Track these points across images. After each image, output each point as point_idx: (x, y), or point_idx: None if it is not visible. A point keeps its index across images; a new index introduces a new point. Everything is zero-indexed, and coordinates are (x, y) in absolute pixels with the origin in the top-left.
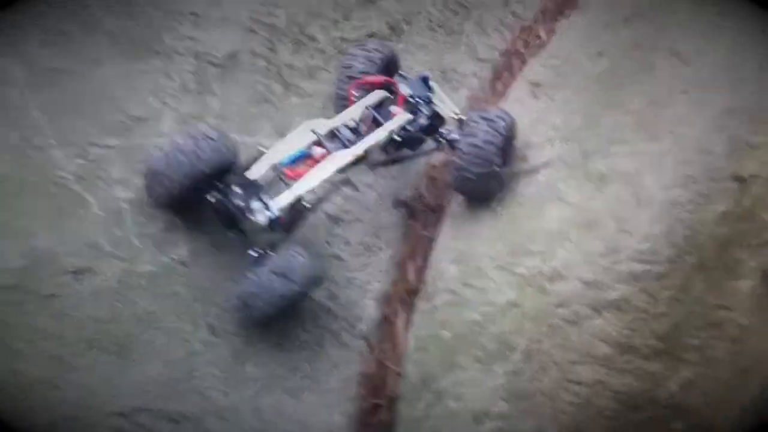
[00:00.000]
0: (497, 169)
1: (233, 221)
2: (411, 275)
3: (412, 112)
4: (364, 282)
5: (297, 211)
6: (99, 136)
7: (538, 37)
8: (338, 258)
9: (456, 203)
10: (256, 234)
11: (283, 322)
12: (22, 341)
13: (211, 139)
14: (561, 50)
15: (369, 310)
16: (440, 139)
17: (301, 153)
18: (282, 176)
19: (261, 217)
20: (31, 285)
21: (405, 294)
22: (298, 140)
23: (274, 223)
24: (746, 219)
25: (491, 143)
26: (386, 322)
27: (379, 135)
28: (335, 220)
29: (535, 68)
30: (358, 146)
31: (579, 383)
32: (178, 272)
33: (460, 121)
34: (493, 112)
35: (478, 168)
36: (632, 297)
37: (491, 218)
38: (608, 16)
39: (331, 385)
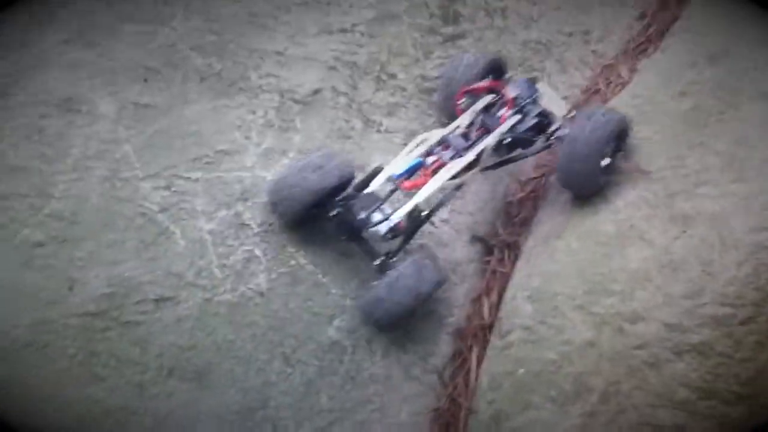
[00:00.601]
0: (603, 165)
1: (354, 233)
2: (486, 311)
3: (520, 113)
4: (438, 316)
5: (414, 220)
6: (185, 170)
7: (620, 75)
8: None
9: (532, 239)
10: (376, 244)
11: (355, 353)
12: (104, 368)
13: (331, 158)
14: (643, 89)
15: (442, 345)
16: (550, 138)
17: (415, 163)
18: (399, 187)
19: (382, 226)
20: (115, 312)
21: (479, 330)
22: (412, 152)
23: (394, 232)
24: None
25: (596, 139)
26: (459, 358)
27: (489, 140)
28: (411, 254)
29: (616, 107)
30: (470, 153)
31: (658, 427)
32: (256, 302)
33: (570, 119)
34: (600, 109)
35: (582, 164)
36: (715, 341)
37: (568, 255)
38: (691, 55)
39: (402, 419)
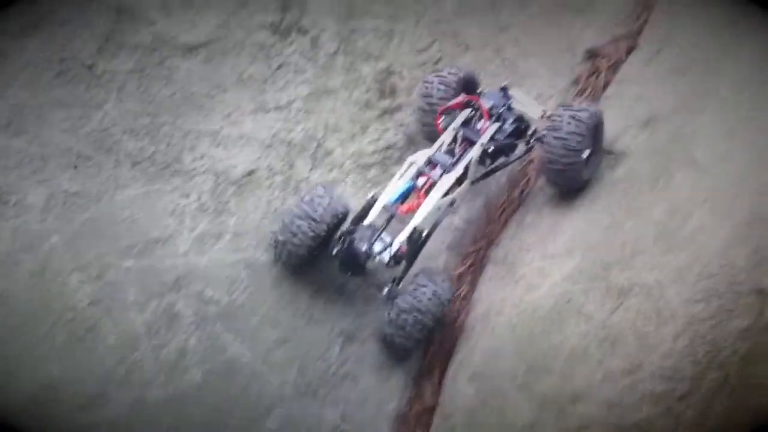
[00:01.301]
0: (584, 158)
1: (358, 267)
2: (428, 394)
3: (498, 121)
4: (379, 401)
5: (414, 242)
6: (116, 259)
7: None
8: (353, 377)
9: (473, 315)
10: (379, 273)
11: None
12: None
13: (324, 198)
14: None
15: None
16: (530, 140)
17: (407, 187)
18: (395, 213)
19: (385, 255)
20: (39, 414)
21: (421, 413)
22: (402, 177)
23: (396, 258)
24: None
25: (575, 133)
26: None
27: (474, 152)
28: (350, 338)
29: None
30: (458, 167)
31: None
32: (191, 396)
33: (548, 118)
34: (576, 105)
35: (565, 159)
36: (655, 418)
37: (509, 331)
38: (625, 120)
39: None
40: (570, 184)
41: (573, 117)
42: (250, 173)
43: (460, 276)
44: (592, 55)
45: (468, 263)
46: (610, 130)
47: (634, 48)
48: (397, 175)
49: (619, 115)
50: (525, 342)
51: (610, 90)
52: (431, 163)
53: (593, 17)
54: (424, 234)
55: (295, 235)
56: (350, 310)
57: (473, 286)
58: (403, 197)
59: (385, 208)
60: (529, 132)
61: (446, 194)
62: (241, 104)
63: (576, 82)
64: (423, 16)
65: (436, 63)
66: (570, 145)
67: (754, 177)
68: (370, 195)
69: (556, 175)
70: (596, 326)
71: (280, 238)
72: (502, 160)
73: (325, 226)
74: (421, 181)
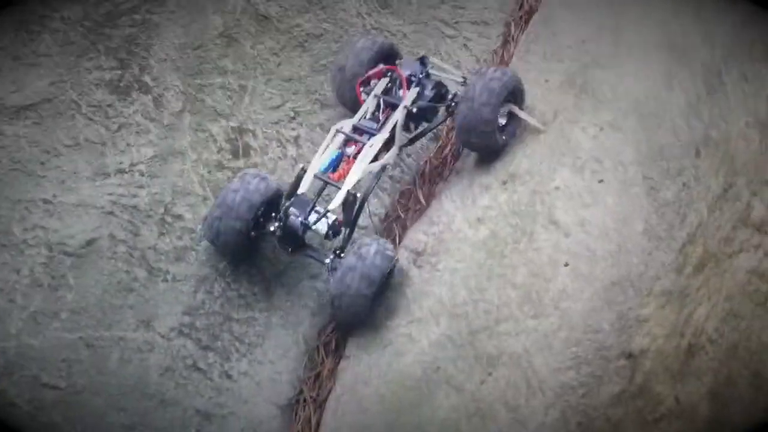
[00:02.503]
0: (500, 122)
1: (297, 242)
2: None
3: (417, 87)
4: None
5: (350, 206)
6: None
7: (418, 201)
8: None
9: (339, 386)
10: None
11: None
12: None
13: (257, 178)
14: (441, 215)
15: None
16: (450, 105)
17: (336, 155)
18: (328, 181)
19: (321, 226)
20: None
21: None
22: (329, 146)
23: (334, 228)
24: (640, 396)
25: (489, 94)
26: None
27: (398, 114)
28: (207, 416)
29: (416, 236)
30: (384, 130)
31: None
32: None
33: (464, 84)
34: (491, 70)
35: (478, 120)
36: None
37: (377, 404)
38: (486, 178)
39: None
40: (485, 148)
41: (488, 79)
42: (89, 243)
43: (326, 344)
44: None
45: (326, 334)
46: (467, 192)
47: None
48: (324, 144)
49: (477, 173)
50: (394, 416)
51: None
52: (357, 130)
53: None
54: (359, 198)
55: (230, 209)
56: (208, 385)
57: (339, 354)
58: (334, 166)
59: (316, 177)
60: (449, 97)
61: (376, 159)
62: (78, 169)
63: None
64: (273, 73)
65: (292, 120)
66: (483, 106)
67: (615, 239)
68: (300, 166)
69: (470, 138)
70: (466, 398)
71: (215, 215)
72: (424, 126)
73: (258, 202)
74: (350, 149)
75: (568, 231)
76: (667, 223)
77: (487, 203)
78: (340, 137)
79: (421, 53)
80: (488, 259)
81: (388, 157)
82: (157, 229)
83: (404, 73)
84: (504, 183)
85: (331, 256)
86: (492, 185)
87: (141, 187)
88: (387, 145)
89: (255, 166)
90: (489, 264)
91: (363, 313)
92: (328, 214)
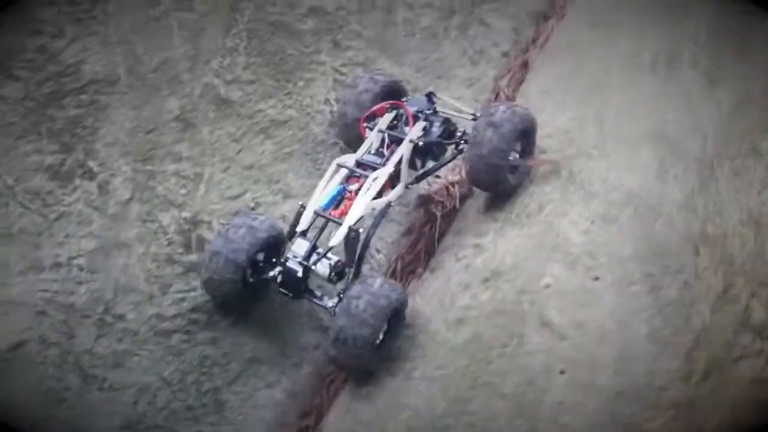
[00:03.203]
0: (511, 161)
1: (298, 286)
2: None
3: (425, 122)
4: None
5: (352, 242)
6: None
7: None
8: None
9: None
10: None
11: None
12: None
13: (256, 219)
14: (415, 317)
15: None
16: (459, 143)
17: (338, 191)
18: (329, 218)
19: (323, 268)
20: None
21: None
22: (330, 181)
23: (337, 269)
24: None
25: (501, 133)
26: None
27: (404, 147)
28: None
29: None
30: (389, 164)
31: None
32: None
33: (475, 121)
34: (501, 108)
35: (489, 159)
36: None
37: None
38: (465, 276)
39: None
40: (495, 187)
41: (499, 118)
42: (17, 347)
43: None
44: None
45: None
46: (444, 290)
47: None
48: (325, 179)
49: (452, 269)
50: None
51: (442, 247)
52: (360, 165)
53: None
54: (363, 236)
55: (215, 270)
56: None
57: None
58: (336, 202)
59: (316, 214)
60: (458, 134)
61: (379, 196)
62: (9, 263)
63: None
64: (233, 160)
65: (253, 210)
66: (494, 145)
67: (615, 342)
68: (299, 203)
69: (480, 177)
70: None
71: (204, 275)
72: (431, 165)
73: (258, 246)
74: (352, 186)
75: (563, 334)
76: (672, 326)
77: (467, 302)
78: (342, 172)
79: (429, 88)
80: (471, 365)
81: (394, 194)
82: (95, 330)
83: (411, 108)
84: (486, 281)
85: (335, 300)
86: (472, 283)
87: (79, 283)
88: (392, 182)
89: None
90: (472, 370)
91: (367, 351)
92: (330, 255)
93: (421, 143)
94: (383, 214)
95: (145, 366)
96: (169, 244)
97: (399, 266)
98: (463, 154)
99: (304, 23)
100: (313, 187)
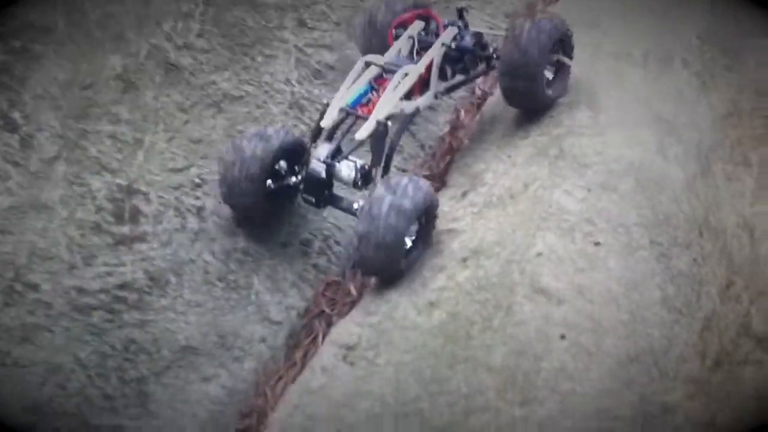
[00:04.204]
0: (543, 75)
1: (323, 190)
2: None
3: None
4: None
5: (380, 137)
6: None
7: (348, 293)
8: None
9: None
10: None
11: None
12: None
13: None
14: (380, 304)
15: None
16: (491, 56)
17: (364, 90)
18: (357, 114)
19: (347, 170)
20: None
21: None
22: (357, 80)
23: (363, 172)
24: None
25: (537, 45)
26: None
27: (434, 50)
28: None
29: (347, 328)
30: (420, 62)
31: None
32: None
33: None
34: (536, 18)
35: (522, 75)
36: None
37: None
38: (440, 260)
39: None
40: (529, 103)
41: (530, 31)
42: None
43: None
44: None
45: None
46: (416, 276)
47: None
48: (350, 77)
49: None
50: None
51: None
52: (389, 65)
53: None
54: (389, 123)
55: (233, 180)
56: None
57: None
58: (360, 100)
59: (342, 111)
60: (489, 49)
61: (408, 98)
62: None
63: None
64: (179, 131)
65: (197, 187)
66: (530, 57)
67: (624, 305)
68: (324, 101)
69: (514, 94)
70: None
71: (222, 188)
72: (461, 78)
73: (279, 150)
74: (379, 85)
75: (561, 298)
76: (684, 297)
77: (442, 284)
78: (372, 70)
79: (461, 4)
80: (448, 344)
81: (424, 100)
82: (2, 297)
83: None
84: (464, 260)
85: (362, 202)
86: (447, 265)
87: None
88: (421, 90)
89: (144, 234)
90: (450, 349)
91: (394, 257)
92: (354, 158)
93: (453, 45)
94: (409, 121)
95: (58, 344)
96: (98, 211)
97: None
98: (495, 69)
99: None
100: None
